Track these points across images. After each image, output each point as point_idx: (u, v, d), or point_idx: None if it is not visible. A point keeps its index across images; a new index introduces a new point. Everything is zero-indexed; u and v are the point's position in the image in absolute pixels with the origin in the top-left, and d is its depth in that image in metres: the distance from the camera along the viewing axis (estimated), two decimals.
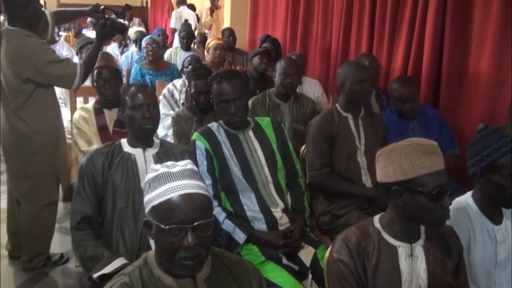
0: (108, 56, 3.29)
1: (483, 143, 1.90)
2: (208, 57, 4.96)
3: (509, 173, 1.83)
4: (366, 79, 2.81)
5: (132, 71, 5.09)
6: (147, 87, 2.43)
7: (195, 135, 2.49)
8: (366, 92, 2.84)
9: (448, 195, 1.57)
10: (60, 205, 3.48)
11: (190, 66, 3.85)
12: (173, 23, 8.84)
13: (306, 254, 2.34)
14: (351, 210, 2.68)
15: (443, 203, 1.56)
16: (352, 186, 2.78)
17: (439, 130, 3.12)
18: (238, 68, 5.11)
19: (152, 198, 1.43)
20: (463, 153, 2.29)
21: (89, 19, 9.28)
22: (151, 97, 2.31)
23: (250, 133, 2.51)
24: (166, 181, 1.42)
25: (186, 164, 1.49)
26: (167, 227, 1.36)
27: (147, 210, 1.46)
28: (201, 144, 2.42)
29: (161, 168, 1.47)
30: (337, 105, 2.94)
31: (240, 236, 2.32)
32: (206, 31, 8.56)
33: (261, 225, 2.38)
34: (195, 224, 1.37)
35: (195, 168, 1.51)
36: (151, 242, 1.49)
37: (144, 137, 2.29)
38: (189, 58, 4.06)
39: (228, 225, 2.34)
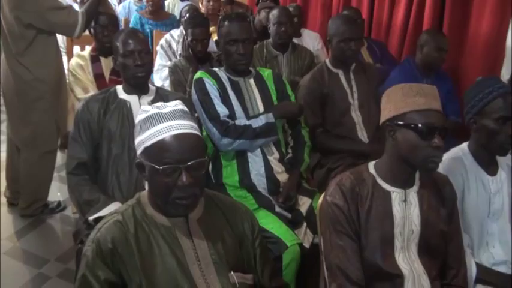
0: (106, 3, 3.25)
1: (476, 90, 1.92)
2: (202, 9, 4.84)
3: (498, 117, 1.85)
4: (353, 38, 2.68)
5: (132, 19, 4.94)
6: (138, 32, 2.33)
7: (200, 73, 2.43)
8: (351, 52, 2.69)
9: (439, 135, 1.55)
10: (58, 154, 3.49)
11: (188, 15, 3.76)
12: None
13: (303, 205, 2.37)
14: (345, 162, 2.63)
15: (433, 142, 1.54)
16: (347, 143, 2.72)
17: (446, 94, 3.07)
18: None
19: (144, 139, 1.42)
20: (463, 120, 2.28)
21: None
22: (143, 43, 2.23)
23: (252, 81, 2.48)
24: (158, 122, 1.41)
25: (176, 105, 1.48)
26: (161, 168, 1.36)
27: (139, 151, 1.45)
28: (209, 81, 2.38)
29: (152, 109, 1.45)
30: (327, 61, 2.85)
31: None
32: None
33: (260, 168, 2.37)
34: (189, 163, 1.37)
35: (186, 108, 1.50)
36: (146, 185, 1.49)
37: (138, 85, 2.25)
38: (186, 8, 4.01)
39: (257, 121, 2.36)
